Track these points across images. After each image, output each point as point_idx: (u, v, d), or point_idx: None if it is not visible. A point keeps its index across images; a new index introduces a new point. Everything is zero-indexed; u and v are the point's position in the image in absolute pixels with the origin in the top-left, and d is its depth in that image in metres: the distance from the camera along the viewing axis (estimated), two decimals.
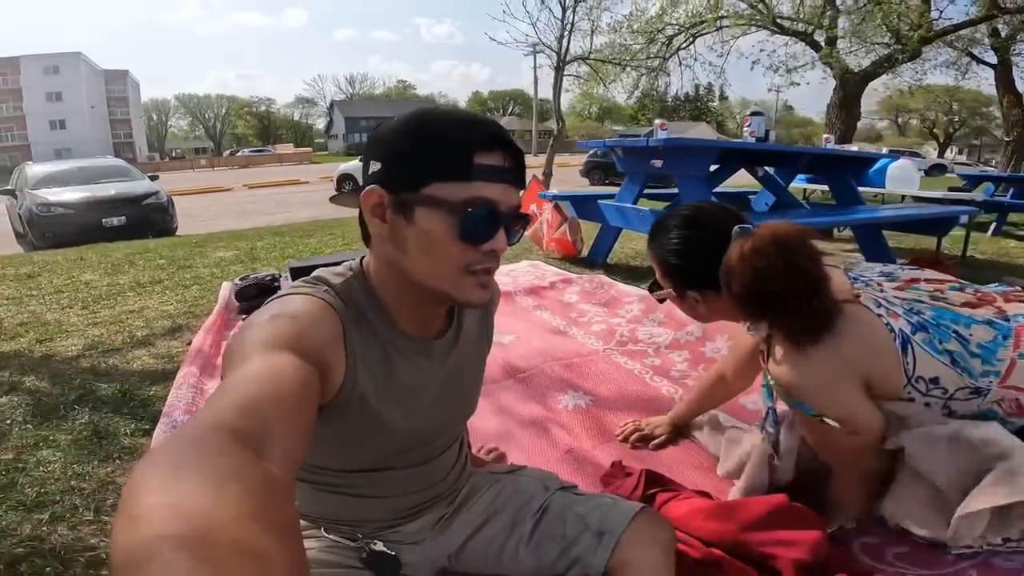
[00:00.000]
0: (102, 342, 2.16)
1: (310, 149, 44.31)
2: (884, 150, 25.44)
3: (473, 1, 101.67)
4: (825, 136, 3.86)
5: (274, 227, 6.39)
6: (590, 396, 1.59)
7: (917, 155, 29.43)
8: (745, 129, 3.06)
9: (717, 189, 3.59)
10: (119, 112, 46.09)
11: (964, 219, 3.07)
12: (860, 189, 3.63)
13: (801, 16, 9.62)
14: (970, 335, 0.87)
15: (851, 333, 0.87)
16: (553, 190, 3.39)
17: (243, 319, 2.26)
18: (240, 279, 2.60)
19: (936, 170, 25.97)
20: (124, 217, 6.98)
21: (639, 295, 2.36)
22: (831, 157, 3.24)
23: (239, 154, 40.24)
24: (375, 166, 0.63)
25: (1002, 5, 8.04)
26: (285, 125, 70.59)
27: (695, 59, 10.34)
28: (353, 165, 11.24)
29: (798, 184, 3.57)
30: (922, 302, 0.91)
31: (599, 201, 2.99)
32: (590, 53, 7.40)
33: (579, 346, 1.97)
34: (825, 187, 3.97)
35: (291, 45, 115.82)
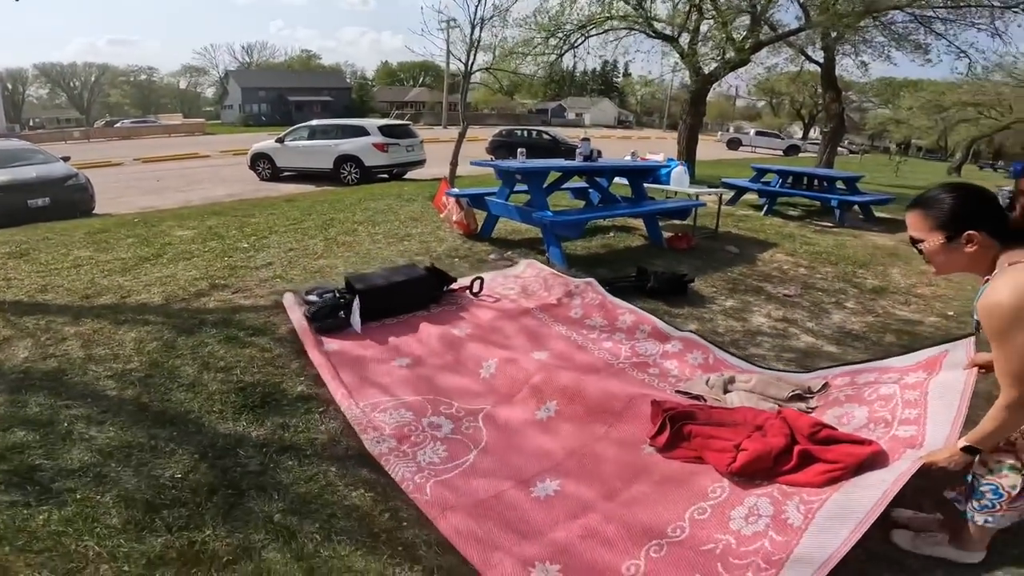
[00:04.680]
0: (172, 295, 3.30)
1: (203, 120, 41.50)
2: (752, 131, 28.77)
3: None
4: (632, 152, 5.75)
5: (212, 205, 7.20)
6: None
7: (778, 136, 33.88)
8: (578, 151, 4.81)
9: (569, 185, 5.39)
10: None
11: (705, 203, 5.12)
12: (656, 186, 5.57)
13: (675, 21, 11.40)
14: None
15: None
16: (455, 189, 4.99)
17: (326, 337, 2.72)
18: (306, 298, 3.02)
19: (791, 151, 30.55)
20: (48, 199, 7.44)
21: (628, 308, 3.19)
22: (630, 169, 5.11)
23: (118, 125, 36.74)
24: None
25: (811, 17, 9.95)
26: (168, 94, 65.04)
27: (588, 53, 11.86)
28: (268, 145, 11.52)
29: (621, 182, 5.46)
30: None
31: (486, 198, 4.63)
32: (492, 64, 8.73)
33: (600, 361, 2.69)
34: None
35: (174, 5, 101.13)
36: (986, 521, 1.51)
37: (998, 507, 1.48)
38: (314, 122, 12.10)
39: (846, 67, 12.32)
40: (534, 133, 18.42)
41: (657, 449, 1.94)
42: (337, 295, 3.00)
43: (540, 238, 4.50)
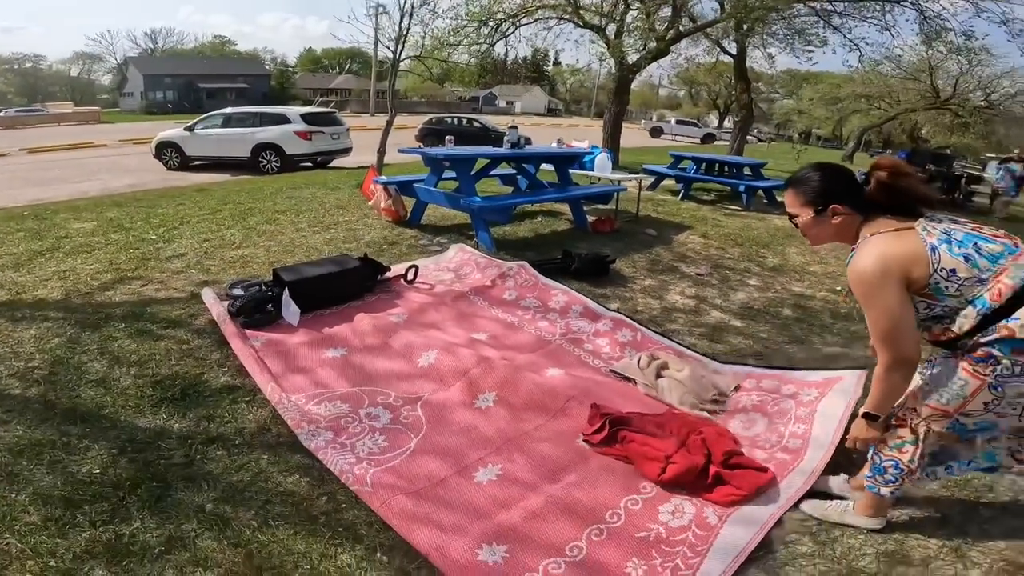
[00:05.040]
0: (73, 290, 3.10)
1: (98, 108, 37.99)
2: (673, 120, 30.00)
3: None
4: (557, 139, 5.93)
5: (111, 196, 6.75)
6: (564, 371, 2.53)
7: (696, 125, 35.49)
8: (505, 138, 4.91)
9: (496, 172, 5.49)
10: None
11: (627, 187, 5.41)
12: (581, 172, 5.79)
13: (602, 10, 11.65)
14: (985, 248, 1.40)
15: (900, 243, 1.42)
16: (383, 176, 4.95)
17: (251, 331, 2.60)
18: (230, 292, 2.87)
19: (708, 138, 32.29)
20: None
21: (561, 289, 3.40)
22: (556, 156, 5.28)
23: (1, 114, 33.25)
24: None
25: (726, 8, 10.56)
26: (58, 82, 59.88)
27: (519, 41, 11.97)
28: (176, 133, 10.93)
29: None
30: (959, 231, 1.43)
31: (414, 184, 4.64)
32: (422, 52, 8.63)
33: (535, 340, 2.87)
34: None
35: None
36: (892, 493, 1.66)
37: (900, 480, 1.63)
38: (229, 109, 11.59)
39: (756, 59, 13.05)
40: (464, 121, 18.37)
41: (591, 445, 2.07)
42: (264, 288, 2.86)
43: (469, 223, 4.57)
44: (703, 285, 4.04)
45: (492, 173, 5.38)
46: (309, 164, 10.83)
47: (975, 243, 1.42)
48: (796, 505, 1.82)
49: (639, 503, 1.81)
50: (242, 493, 1.71)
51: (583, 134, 10.78)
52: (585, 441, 2.08)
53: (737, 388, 2.56)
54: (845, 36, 10.85)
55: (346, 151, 11.49)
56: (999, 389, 1.41)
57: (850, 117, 20.33)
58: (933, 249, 1.40)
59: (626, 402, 2.36)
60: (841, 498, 1.86)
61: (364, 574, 1.48)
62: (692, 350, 2.94)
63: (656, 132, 32.16)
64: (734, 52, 12.42)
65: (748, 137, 14.88)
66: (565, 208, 5.51)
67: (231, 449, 1.91)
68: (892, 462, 1.62)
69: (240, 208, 5.29)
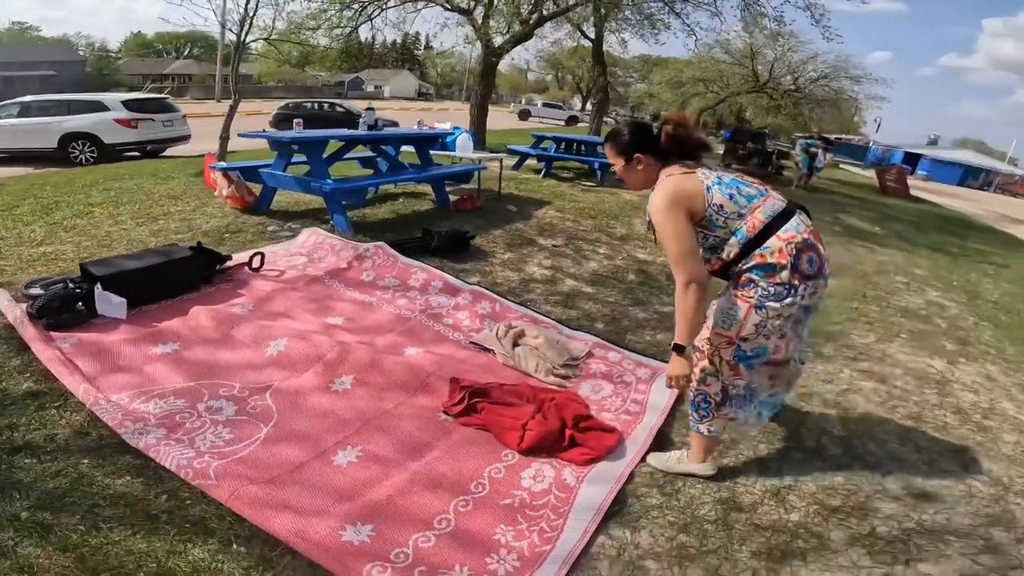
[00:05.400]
0: None
1: None
2: (540, 103, 30.92)
3: None
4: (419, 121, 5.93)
5: None
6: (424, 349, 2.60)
7: (561, 107, 36.97)
8: (361, 120, 4.80)
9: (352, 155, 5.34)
10: None
11: (487, 167, 5.54)
12: (443, 152, 5.84)
13: None
14: (744, 190, 1.74)
15: (684, 182, 1.72)
16: (222, 163, 4.60)
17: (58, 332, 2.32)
18: (26, 292, 2.56)
19: (572, 121, 33.92)
20: None
21: (420, 267, 3.43)
22: (416, 137, 5.28)
23: None
24: None
25: None
26: None
27: (385, 24, 11.52)
28: None
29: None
30: (727, 177, 1.76)
31: (260, 170, 4.37)
32: (271, 35, 7.95)
33: (395, 318, 2.88)
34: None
35: None
36: (709, 431, 1.85)
37: (711, 415, 1.82)
38: (28, 97, 10.07)
39: (611, 44, 13.70)
40: (326, 106, 17.54)
41: (451, 416, 2.12)
42: (70, 285, 2.55)
43: (325, 208, 4.42)
44: (559, 256, 4.32)
45: (349, 156, 5.23)
46: (136, 153, 9.73)
47: (737, 186, 1.77)
48: (643, 459, 2.03)
49: (502, 471, 1.88)
50: (62, 499, 1.57)
51: (453, 117, 10.73)
52: (445, 413, 2.13)
53: (589, 355, 2.74)
54: (684, 21, 11.92)
55: (183, 139, 10.53)
56: (762, 310, 1.72)
57: (691, 100, 22.45)
58: (708, 189, 1.73)
59: (485, 373, 2.45)
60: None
61: (221, 566, 1.43)
62: (548, 317, 3.15)
63: (524, 115, 33.12)
64: (593, 36, 13.02)
65: (606, 119, 15.85)
66: (427, 189, 5.53)
67: (42, 456, 1.72)
68: (701, 395, 1.87)
69: (43, 203, 4.59)
